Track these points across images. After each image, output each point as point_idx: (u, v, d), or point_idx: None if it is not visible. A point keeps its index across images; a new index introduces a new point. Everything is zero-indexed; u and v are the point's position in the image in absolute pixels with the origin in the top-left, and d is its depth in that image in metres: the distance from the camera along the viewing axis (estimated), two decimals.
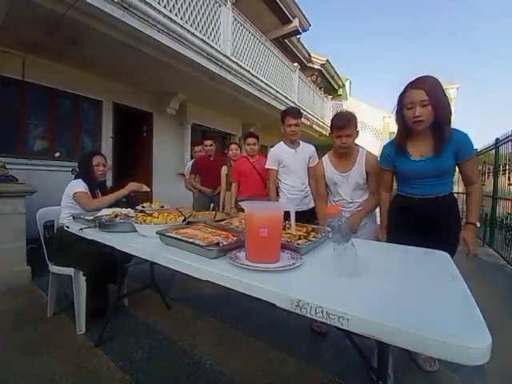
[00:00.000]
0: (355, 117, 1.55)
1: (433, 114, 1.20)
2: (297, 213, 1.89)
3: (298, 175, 2.04)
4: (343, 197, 1.64)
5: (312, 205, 2.08)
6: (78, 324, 1.60)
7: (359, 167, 1.58)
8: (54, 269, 1.69)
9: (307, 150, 2.09)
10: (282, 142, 2.13)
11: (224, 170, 3.06)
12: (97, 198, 1.84)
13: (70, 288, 1.62)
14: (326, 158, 1.70)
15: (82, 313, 1.60)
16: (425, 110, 1.19)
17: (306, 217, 1.90)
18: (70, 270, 1.60)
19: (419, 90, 1.20)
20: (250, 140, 2.73)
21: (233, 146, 3.15)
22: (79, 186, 1.78)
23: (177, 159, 5.39)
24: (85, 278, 1.58)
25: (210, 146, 3.27)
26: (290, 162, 2.03)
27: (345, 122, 1.49)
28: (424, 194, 1.32)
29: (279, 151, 2.09)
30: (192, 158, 3.81)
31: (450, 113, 1.25)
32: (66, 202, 1.78)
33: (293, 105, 6.47)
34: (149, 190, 1.98)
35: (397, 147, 1.38)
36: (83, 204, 1.74)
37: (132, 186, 1.90)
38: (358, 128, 1.58)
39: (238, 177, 2.75)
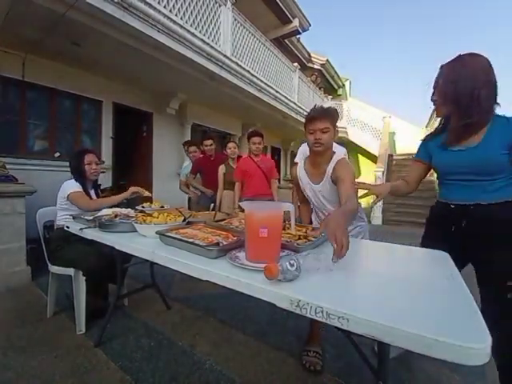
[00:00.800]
0: (334, 112, 1.31)
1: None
2: None
3: None
4: (328, 208, 1.39)
5: None
6: (77, 324, 1.60)
7: (326, 183, 1.33)
8: (53, 269, 1.69)
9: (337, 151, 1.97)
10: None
11: (221, 168, 3.00)
12: (95, 199, 1.82)
13: (70, 288, 1.62)
14: (301, 164, 1.48)
15: (81, 313, 1.60)
16: None
17: None
18: (70, 270, 1.60)
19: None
20: (256, 139, 2.66)
21: (230, 145, 3.08)
22: (72, 186, 1.75)
23: (177, 159, 5.39)
24: (84, 278, 1.58)
25: (210, 145, 3.24)
26: None
27: (317, 114, 1.26)
28: (461, 200, 1.07)
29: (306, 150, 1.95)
30: (186, 158, 3.70)
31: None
32: (61, 203, 1.74)
33: (293, 105, 6.48)
34: (150, 195, 1.96)
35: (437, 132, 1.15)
36: (80, 204, 1.71)
37: (133, 189, 1.87)
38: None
39: (241, 176, 2.70)
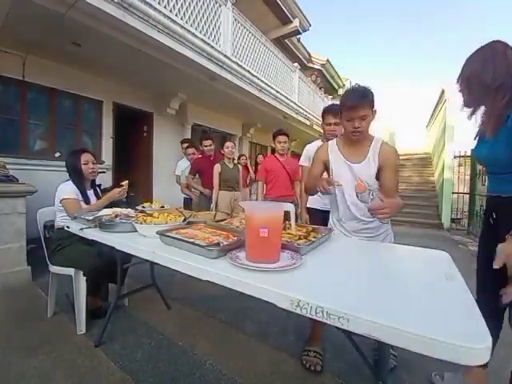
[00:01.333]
0: (372, 93, 1.20)
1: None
2: (322, 211, 1.86)
3: None
4: (348, 202, 1.29)
5: None
6: (78, 324, 1.60)
7: (371, 160, 1.25)
8: (54, 269, 1.69)
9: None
10: (319, 140, 1.97)
11: (217, 168, 2.93)
12: (85, 207, 1.74)
13: (70, 288, 1.62)
14: (332, 143, 1.38)
15: (82, 313, 1.60)
16: None
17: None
18: (70, 270, 1.60)
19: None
20: (281, 138, 2.60)
21: (228, 144, 3.02)
22: (67, 191, 1.71)
23: (177, 159, 5.39)
24: (85, 277, 1.58)
25: (210, 146, 3.21)
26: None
27: (357, 100, 1.16)
28: (492, 191, 1.07)
29: (313, 148, 1.80)
30: (184, 158, 3.64)
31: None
32: (58, 205, 1.72)
33: (293, 105, 6.47)
34: (125, 182, 1.85)
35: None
36: (70, 212, 1.65)
37: (116, 192, 1.78)
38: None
39: (265, 175, 2.63)
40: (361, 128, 1.19)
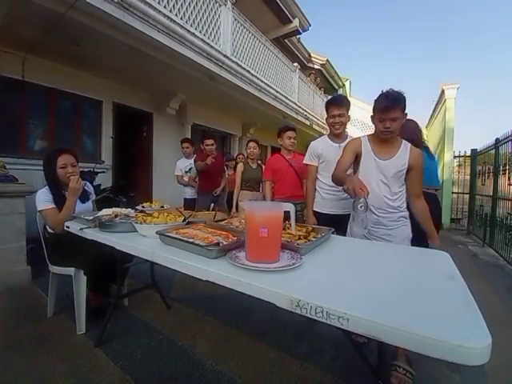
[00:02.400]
0: (404, 97, 1.29)
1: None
2: (330, 216, 1.81)
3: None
4: (377, 195, 1.36)
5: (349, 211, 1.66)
6: (78, 324, 1.60)
7: (400, 159, 1.36)
8: (54, 269, 1.69)
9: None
10: (325, 136, 1.93)
11: (240, 167, 2.93)
12: (61, 212, 1.59)
13: (70, 288, 1.61)
14: (365, 139, 1.46)
15: (82, 313, 1.60)
16: None
17: (344, 222, 1.59)
18: (70, 270, 1.60)
19: None
20: (291, 133, 2.44)
21: (251, 144, 2.99)
22: (42, 200, 1.58)
23: (177, 159, 5.40)
24: (85, 277, 1.58)
25: (212, 145, 3.19)
26: (330, 157, 1.73)
27: (390, 104, 1.27)
28: None
29: (320, 145, 1.85)
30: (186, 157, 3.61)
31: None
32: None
33: (293, 105, 6.47)
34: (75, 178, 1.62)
35: None
36: (50, 223, 1.57)
37: (72, 184, 1.59)
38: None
39: (271, 175, 2.51)
40: (391, 128, 1.29)
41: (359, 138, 1.51)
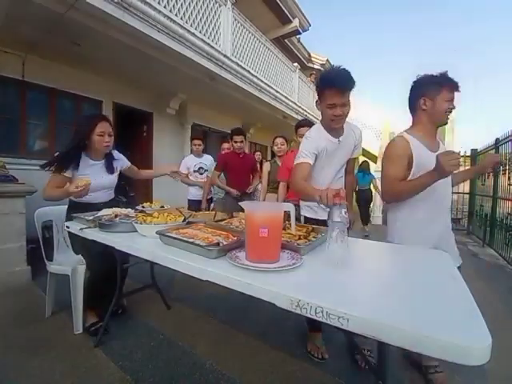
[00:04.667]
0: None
1: None
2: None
3: (333, 172, 1.44)
4: (444, 202, 1.27)
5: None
6: (75, 323, 1.60)
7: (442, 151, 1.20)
8: (52, 268, 1.69)
9: (351, 135, 1.43)
10: (319, 125, 1.42)
11: (266, 167, 2.65)
12: (55, 189, 1.51)
13: (70, 289, 1.61)
14: (409, 136, 1.25)
15: (79, 312, 1.60)
16: None
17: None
18: (67, 270, 1.60)
19: None
20: (303, 130, 2.12)
21: (278, 140, 2.67)
22: (62, 166, 1.51)
23: (177, 159, 5.38)
24: (87, 275, 1.56)
25: (241, 142, 2.81)
26: (329, 156, 1.39)
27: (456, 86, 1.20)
28: None
29: (319, 136, 1.38)
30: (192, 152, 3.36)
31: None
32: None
33: (293, 105, 6.47)
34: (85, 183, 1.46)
35: None
36: (44, 187, 1.51)
37: (73, 187, 1.43)
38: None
39: (287, 176, 2.20)
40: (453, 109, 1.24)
41: (401, 136, 1.27)
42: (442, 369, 1.32)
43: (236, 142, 2.81)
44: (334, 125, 1.32)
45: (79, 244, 1.62)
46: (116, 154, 1.81)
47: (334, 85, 1.21)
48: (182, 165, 3.23)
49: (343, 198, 0.83)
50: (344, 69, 1.21)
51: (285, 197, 2.29)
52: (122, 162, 1.84)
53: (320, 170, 1.43)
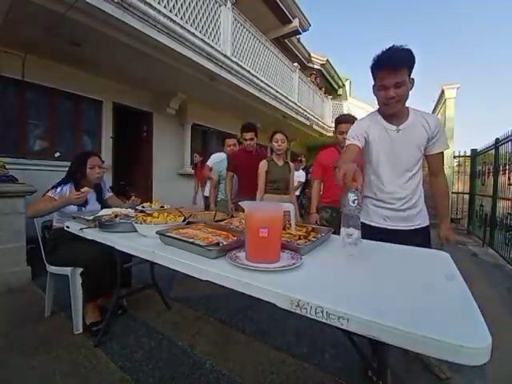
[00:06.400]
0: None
1: None
2: (397, 232, 1.23)
3: (396, 169, 1.22)
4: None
5: (425, 222, 1.28)
6: (75, 324, 1.60)
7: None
8: (51, 269, 1.68)
9: (420, 124, 1.19)
10: (376, 111, 1.28)
11: (263, 165, 2.31)
12: (46, 202, 1.66)
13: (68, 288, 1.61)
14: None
15: (78, 312, 1.60)
16: None
17: (417, 239, 1.20)
18: (66, 270, 1.60)
19: None
20: (344, 126, 1.91)
21: (278, 136, 2.41)
22: (52, 189, 1.71)
23: (177, 159, 5.40)
24: (83, 277, 1.56)
25: (251, 139, 2.58)
26: (384, 146, 1.21)
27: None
28: None
29: (371, 120, 1.26)
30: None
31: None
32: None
33: (293, 105, 6.47)
34: (85, 189, 1.70)
35: None
36: (32, 204, 1.69)
37: (73, 195, 1.64)
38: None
39: (321, 173, 2.09)
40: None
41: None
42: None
43: (246, 139, 2.57)
44: (389, 110, 1.16)
45: (63, 249, 1.65)
46: (104, 183, 2.02)
47: (381, 63, 1.08)
48: (211, 158, 3.23)
49: (356, 182, 0.79)
50: (396, 46, 1.06)
51: (319, 198, 2.15)
52: (107, 191, 2.04)
53: (377, 165, 1.24)
